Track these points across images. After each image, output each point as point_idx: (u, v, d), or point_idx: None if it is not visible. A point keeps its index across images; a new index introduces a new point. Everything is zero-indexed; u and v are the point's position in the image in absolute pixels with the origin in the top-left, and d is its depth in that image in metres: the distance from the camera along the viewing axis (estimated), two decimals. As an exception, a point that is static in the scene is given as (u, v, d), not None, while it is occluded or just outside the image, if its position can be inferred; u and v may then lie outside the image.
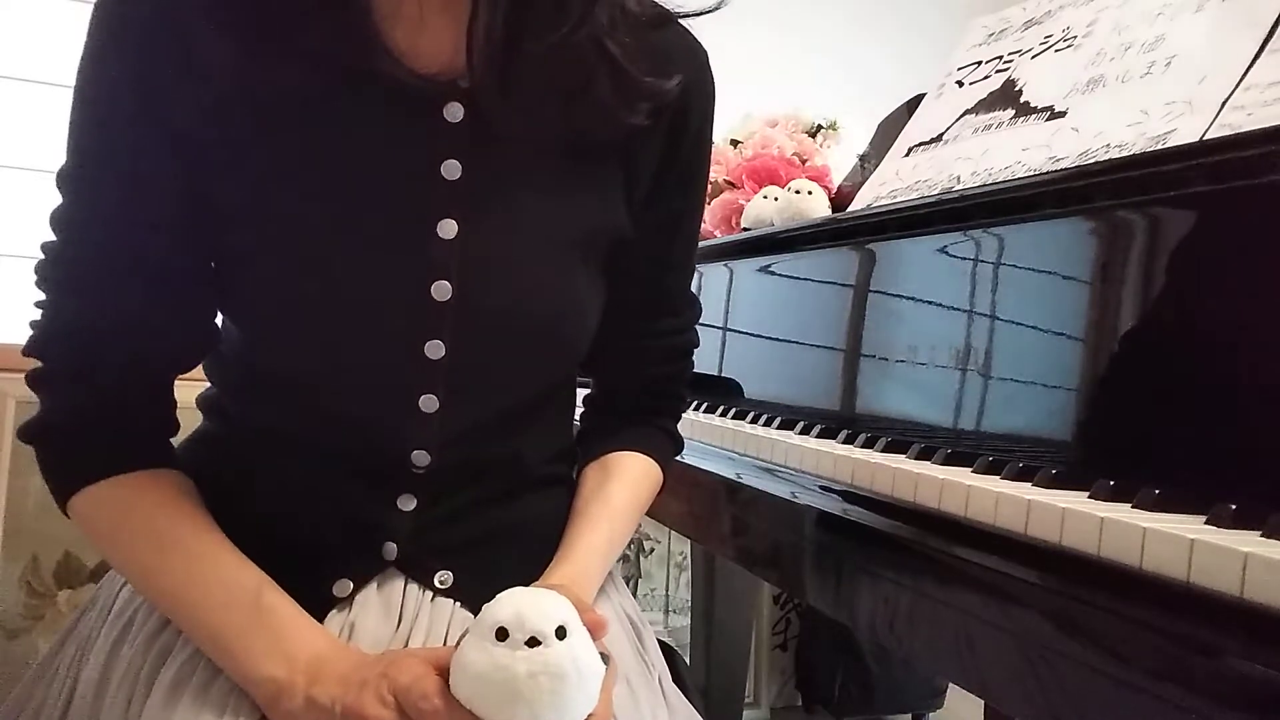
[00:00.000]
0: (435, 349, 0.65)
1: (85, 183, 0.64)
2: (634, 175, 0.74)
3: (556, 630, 0.55)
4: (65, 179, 0.64)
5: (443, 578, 0.68)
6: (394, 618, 0.66)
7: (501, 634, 0.54)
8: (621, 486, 0.78)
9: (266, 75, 0.61)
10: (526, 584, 0.62)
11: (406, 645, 0.65)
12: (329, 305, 0.64)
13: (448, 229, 0.65)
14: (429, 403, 0.67)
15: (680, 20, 0.74)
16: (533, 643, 0.54)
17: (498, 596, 0.57)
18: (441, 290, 0.65)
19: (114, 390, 0.65)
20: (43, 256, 0.65)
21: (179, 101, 0.62)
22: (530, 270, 0.68)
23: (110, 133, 0.63)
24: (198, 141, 0.63)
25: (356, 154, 0.64)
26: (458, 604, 0.68)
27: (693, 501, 1.08)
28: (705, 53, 0.75)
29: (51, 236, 0.65)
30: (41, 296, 0.65)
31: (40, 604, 1.37)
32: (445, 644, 0.65)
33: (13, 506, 1.35)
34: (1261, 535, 0.52)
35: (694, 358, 0.88)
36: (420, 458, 0.68)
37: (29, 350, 0.65)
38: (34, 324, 0.65)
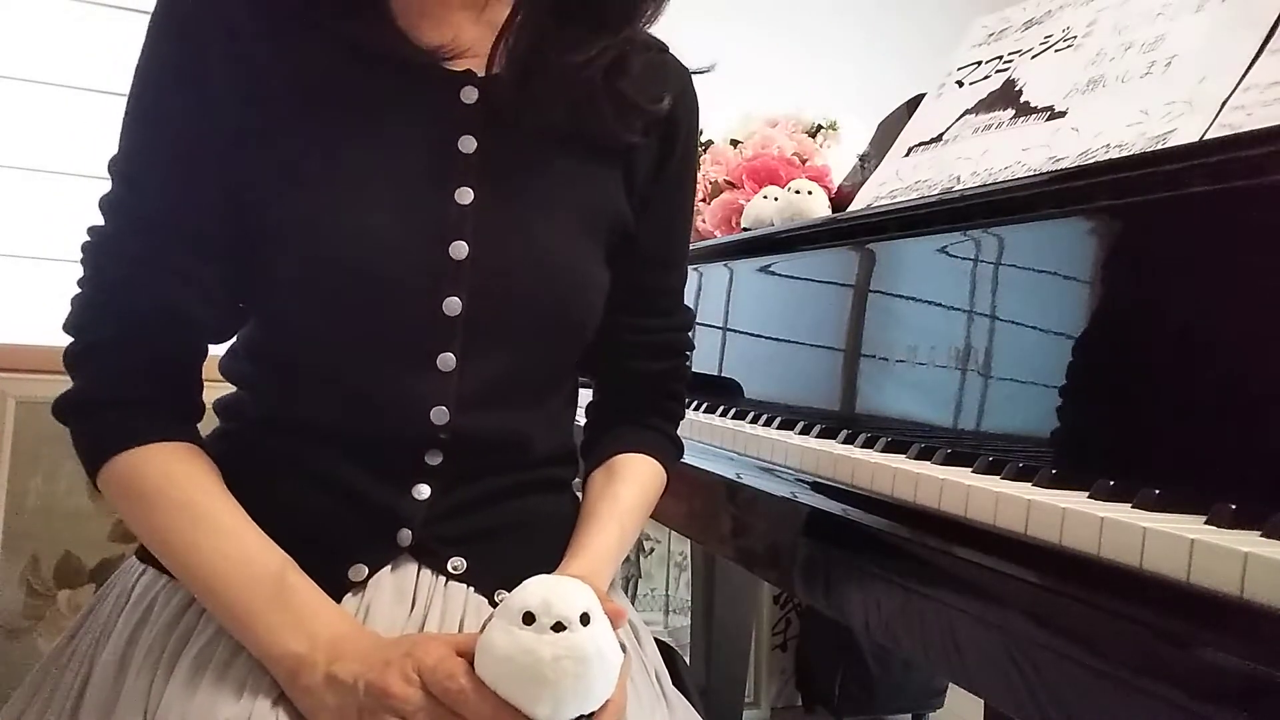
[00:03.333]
0: (453, 305, 0.69)
1: (136, 169, 0.68)
2: (631, 176, 0.79)
3: (581, 617, 0.57)
4: (117, 165, 0.69)
5: (455, 563, 0.71)
6: (408, 602, 0.69)
7: (528, 618, 0.56)
8: (628, 487, 0.80)
9: (301, 62, 0.67)
10: (538, 571, 0.64)
11: (421, 629, 0.67)
12: (357, 265, 0.67)
13: (464, 195, 0.70)
14: (447, 361, 0.70)
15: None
16: (558, 628, 0.56)
17: (524, 583, 0.59)
18: (458, 250, 0.69)
19: (151, 363, 0.68)
20: (88, 239, 0.69)
21: (223, 90, 0.67)
22: (539, 234, 0.73)
23: (161, 122, 0.68)
24: (239, 126, 0.68)
25: (382, 131, 0.70)
26: (471, 589, 0.71)
27: (693, 501, 1.08)
28: (689, 73, 0.83)
29: (100, 219, 0.69)
30: (83, 274, 0.68)
31: (40, 604, 1.37)
32: (459, 628, 0.68)
33: (13, 506, 1.35)
34: (1261, 535, 0.52)
35: (689, 361, 0.90)
36: (439, 414, 0.70)
37: (68, 325, 0.68)
38: (74, 299, 0.69)
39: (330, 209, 0.68)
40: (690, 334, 0.90)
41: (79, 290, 0.69)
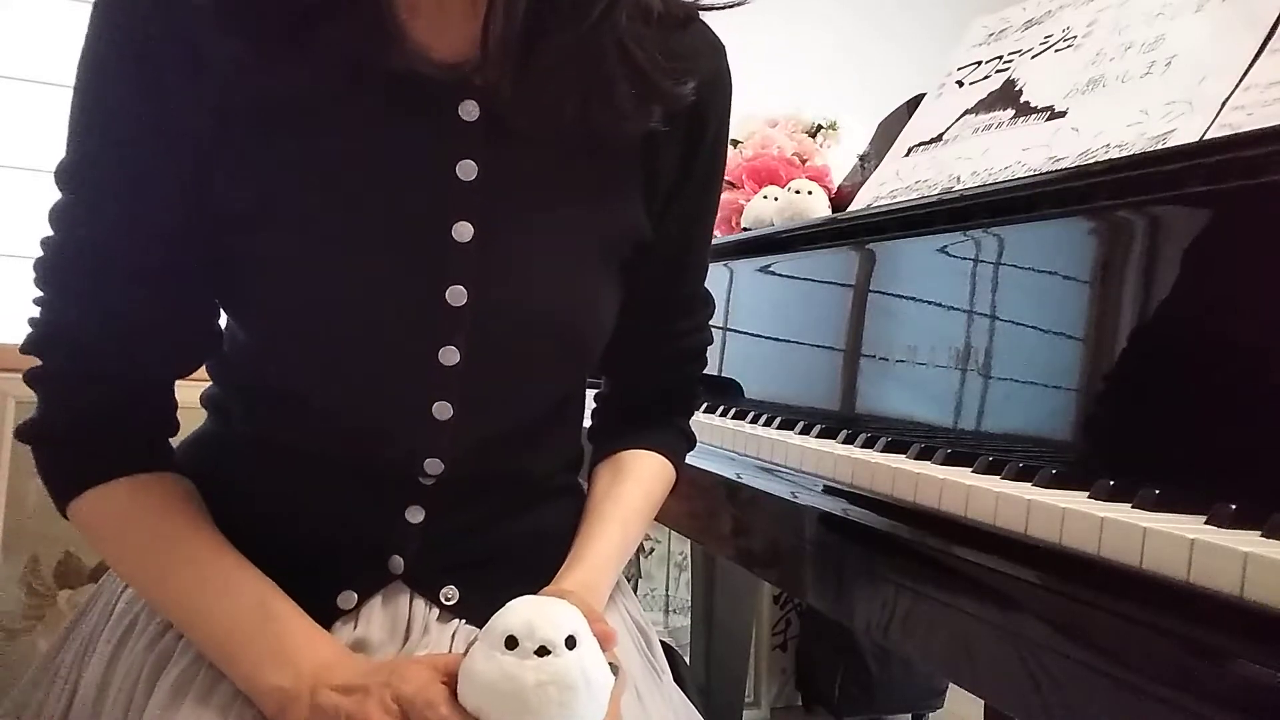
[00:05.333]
0: (449, 355, 0.64)
1: (85, 182, 0.62)
2: (654, 179, 0.73)
3: (566, 640, 0.55)
4: (65, 175, 0.62)
5: (448, 594, 0.67)
6: (400, 634, 0.66)
7: (511, 642, 0.54)
8: (635, 485, 0.77)
9: (276, 75, 0.59)
10: (534, 592, 0.61)
11: None
12: (340, 311, 0.62)
13: (463, 231, 0.63)
14: (442, 410, 0.65)
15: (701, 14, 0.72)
16: (542, 652, 0.54)
17: (508, 604, 0.56)
18: (457, 295, 0.63)
19: (111, 393, 0.64)
20: (41, 253, 0.63)
21: (182, 102, 0.60)
22: (548, 275, 0.66)
23: (111, 132, 0.61)
24: (201, 143, 0.61)
25: (368, 155, 0.63)
26: (463, 621, 0.67)
27: (693, 501, 1.08)
28: (724, 50, 0.74)
29: (50, 231, 0.63)
30: (39, 294, 0.64)
31: (40, 604, 1.37)
32: None
33: (13, 506, 1.35)
34: (1261, 535, 0.52)
35: (708, 354, 0.88)
36: (433, 466, 0.67)
37: (26, 348, 0.64)
38: (32, 321, 0.64)
39: (310, 255, 0.62)
40: (709, 328, 0.87)
41: (36, 311, 0.64)
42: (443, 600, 0.67)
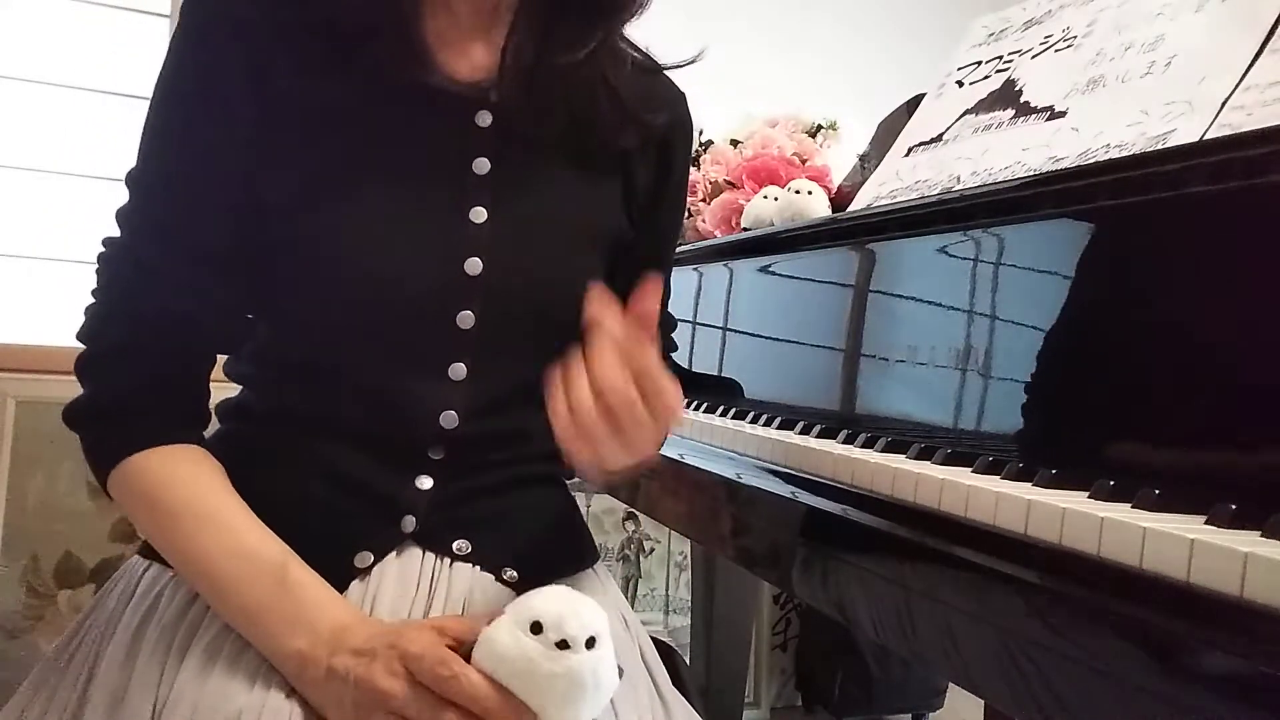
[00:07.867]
0: (466, 319, 0.73)
1: (150, 180, 0.71)
2: (631, 193, 0.84)
3: (588, 640, 0.58)
4: (136, 179, 0.71)
5: (460, 545, 0.73)
6: (413, 585, 0.71)
7: (536, 627, 0.58)
8: None
9: (323, 86, 0.71)
10: (544, 552, 0.68)
11: (426, 611, 0.70)
12: (375, 281, 0.71)
13: (478, 215, 0.74)
14: (458, 370, 0.73)
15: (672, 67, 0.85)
16: (563, 645, 0.57)
17: (543, 590, 0.61)
18: (473, 266, 0.73)
19: (158, 370, 0.71)
20: (103, 249, 0.71)
21: (243, 111, 0.70)
22: (548, 250, 0.77)
23: (176, 134, 0.71)
24: (256, 142, 0.70)
25: (400, 153, 0.73)
26: (476, 568, 0.73)
27: (693, 501, 1.08)
28: (686, 99, 0.88)
29: (114, 231, 0.71)
30: (98, 284, 0.71)
31: (40, 604, 1.37)
32: (463, 607, 0.70)
33: (13, 506, 1.35)
34: (1261, 535, 0.52)
35: (668, 361, 0.91)
36: (449, 419, 0.73)
37: (81, 334, 0.71)
38: (89, 309, 0.71)
39: (349, 233, 0.70)
40: (672, 338, 0.96)
41: (92, 300, 0.71)
42: (455, 552, 0.73)
